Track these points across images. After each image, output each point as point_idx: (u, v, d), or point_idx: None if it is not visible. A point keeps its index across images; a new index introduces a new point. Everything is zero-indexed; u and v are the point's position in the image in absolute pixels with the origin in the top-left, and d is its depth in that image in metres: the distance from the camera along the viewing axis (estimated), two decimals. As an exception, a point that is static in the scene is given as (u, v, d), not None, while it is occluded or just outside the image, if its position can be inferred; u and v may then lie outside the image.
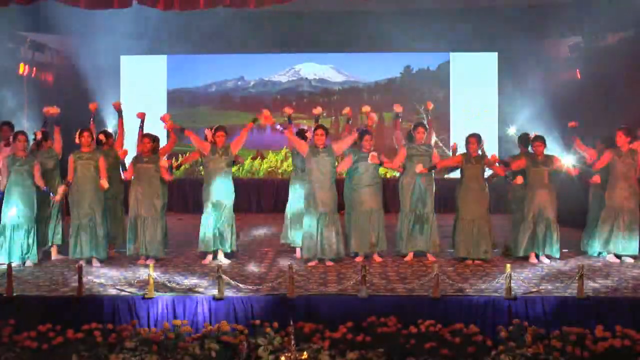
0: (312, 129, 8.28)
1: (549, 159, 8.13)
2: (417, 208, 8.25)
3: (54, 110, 8.35)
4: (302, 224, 8.12)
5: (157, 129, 8.72)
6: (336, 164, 8.17)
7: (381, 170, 8.88)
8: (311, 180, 7.99)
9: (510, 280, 6.16)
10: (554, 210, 8.11)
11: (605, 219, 8.22)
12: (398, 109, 8.58)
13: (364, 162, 8.22)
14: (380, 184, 8.35)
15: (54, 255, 8.43)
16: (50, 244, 8.44)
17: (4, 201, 8.02)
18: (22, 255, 7.92)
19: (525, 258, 8.14)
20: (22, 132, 8.26)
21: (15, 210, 7.93)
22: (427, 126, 8.45)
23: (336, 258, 8.01)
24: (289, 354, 5.17)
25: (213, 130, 8.21)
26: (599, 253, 8.37)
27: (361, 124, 8.79)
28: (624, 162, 8.18)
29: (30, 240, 7.98)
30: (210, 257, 8.17)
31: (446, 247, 8.50)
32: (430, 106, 8.75)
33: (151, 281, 6.27)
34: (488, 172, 8.41)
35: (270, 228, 11.40)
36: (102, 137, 8.52)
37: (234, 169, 8.45)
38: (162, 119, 8.34)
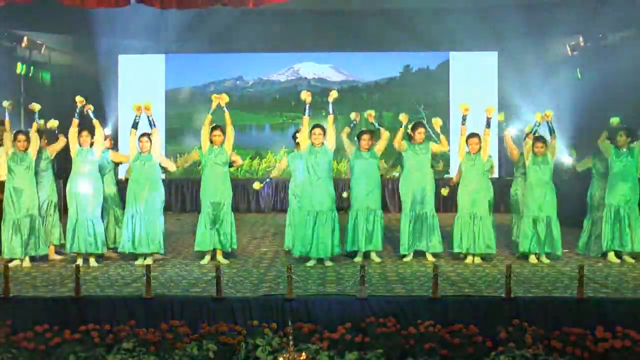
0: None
1: (546, 156, 8.14)
2: (417, 207, 8.23)
3: (52, 124, 8.28)
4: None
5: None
6: (333, 162, 8.15)
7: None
8: (307, 178, 7.96)
9: (510, 281, 6.12)
10: (554, 208, 8.13)
11: (606, 218, 8.21)
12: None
13: (362, 160, 8.18)
14: (379, 183, 8.31)
15: (51, 255, 8.40)
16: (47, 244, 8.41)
17: (6, 196, 8.03)
18: (24, 249, 7.94)
19: (525, 258, 8.12)
20: (21, 132, 8.27)
21: (19, 204, 7.97)
22: (426, 126, 8.42)
23: (332, 257, 7.96)
24: (288, 355, 5.13)
25: (210, 130, 8.17)
26: (603, 253, 8.33)
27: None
28: (624, 161, 8.18)
29: (37, 233, 8.02)
30: (208, 257, 8.14)
31: (446, 247, 8.47)
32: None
33: (149, 281, 6.23)
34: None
35: (269, 228, 11.37)
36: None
37: (231, 169, 8.40)
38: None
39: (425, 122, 8.74)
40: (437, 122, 8.41)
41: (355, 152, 8.23)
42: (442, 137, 8.39)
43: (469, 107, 8.21)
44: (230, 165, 8.40)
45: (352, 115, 8.48)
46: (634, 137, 8.29)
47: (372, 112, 8.47)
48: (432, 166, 8.40)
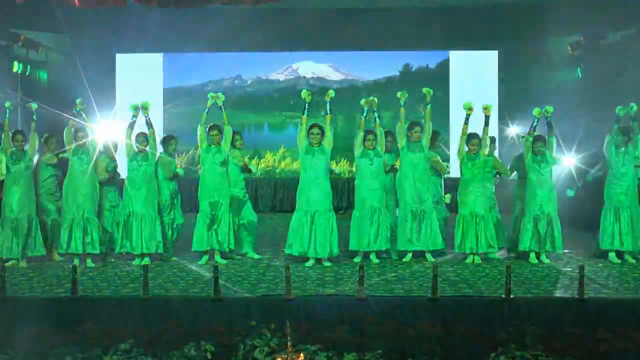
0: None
1: (546, 155, 8.11)
2: (415, 205, 8.19)
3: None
4: None
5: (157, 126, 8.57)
6: (330, 161, 8.11)
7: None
8: (305, 177, 7.93)
9: (510, 281, 6.09)
10: (555, 206, 8.12)
11: (605, 216, 8.21)
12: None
13: (367, 159, 8.13)
14: (383, 183, 8.26)
15: (54, 255, 8.34)
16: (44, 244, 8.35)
17: (4, 196, 8.03)
18: (21, 249, 7.90)
19: (526, 258, 8.09)
20: (19, 131, 8.26)
21: (17, 204, 7.94)
22: (423, 125, 8.39)
23: (329, 257, 7.92)
24: (286, 356, 5.11)
25: (207, 129, 8.15)
26: (602, 252, 8.29)
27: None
28: (623, 160, 8.17)
29: (34, 234, 8.00)
30: (206, 257, 8.10)
31: (446, 247, 8.43)
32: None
33: (146, 282, 6.19)
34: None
35: (267, 228, 11.33)
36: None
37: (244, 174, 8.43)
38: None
39: (423, 122, 8.69)
40: (428, 91, 8.29)
41: (361, 152, 8.19)
42: (445, 164, 8.58)
43: (473, 106, 8.13)
44: (243, 171, 8.49)
45: (362, 102, 8.31)
46: (631, 136, 8.27)
47: (375, 100, 8.32)
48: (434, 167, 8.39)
